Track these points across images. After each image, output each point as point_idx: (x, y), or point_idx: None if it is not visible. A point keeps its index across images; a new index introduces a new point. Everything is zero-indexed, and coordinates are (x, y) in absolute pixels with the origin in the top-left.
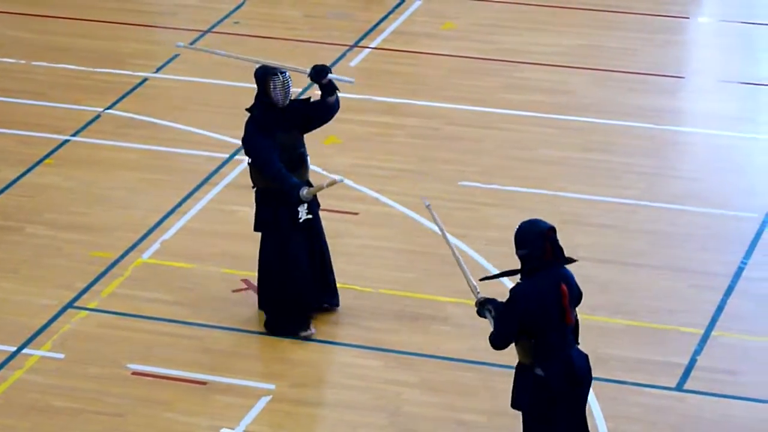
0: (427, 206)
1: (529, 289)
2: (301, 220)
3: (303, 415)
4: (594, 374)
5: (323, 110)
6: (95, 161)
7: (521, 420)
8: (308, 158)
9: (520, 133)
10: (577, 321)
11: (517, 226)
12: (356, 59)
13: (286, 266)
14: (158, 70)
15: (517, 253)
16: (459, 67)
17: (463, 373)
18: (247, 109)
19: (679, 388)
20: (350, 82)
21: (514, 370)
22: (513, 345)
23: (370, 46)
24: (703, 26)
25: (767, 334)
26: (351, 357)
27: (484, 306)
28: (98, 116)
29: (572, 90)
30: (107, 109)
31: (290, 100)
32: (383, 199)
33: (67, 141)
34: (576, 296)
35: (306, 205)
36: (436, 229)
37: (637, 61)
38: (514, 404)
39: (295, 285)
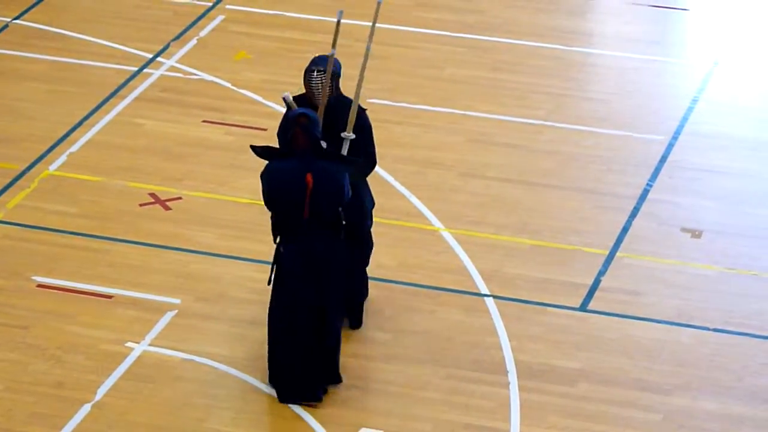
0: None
1: (273, 170)
2: None
3: (208, 330)
4: (498, 293)
5: None
6: (2, 72)
7: None
8: None
9: (429, 52)
10: (337, 217)
11: None
12: None
13: None
14: None
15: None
16: None
17: (369, 291)
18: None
19: (583, 308)
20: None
21: (420, 288)
22: None
23: None
24: None
25: (670, 256)
26: (257, 272)
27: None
28: (6, 26)
29: (482, 9)
30: (15, 19)
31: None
32: None
33: None
34: (327, 192)
35: None
36: None
37: None
38: None
39: None
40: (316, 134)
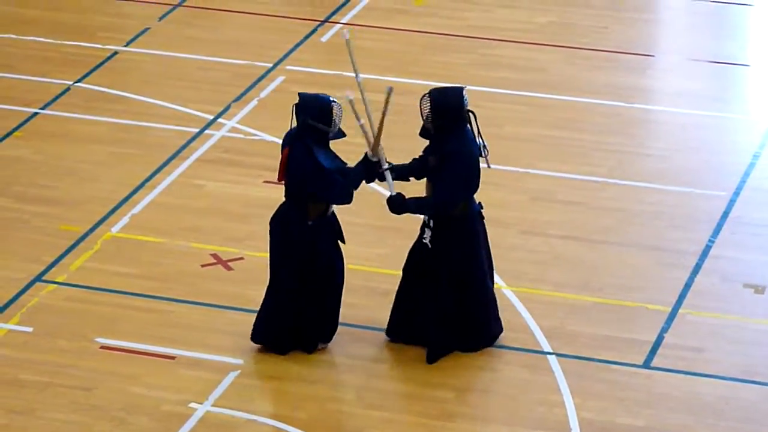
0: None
1: (288, 131)
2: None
3: (271, 390)
4: (561, 351)
5: None
6: (64, 134)
7: None
8: None
9: (490, 110)
10: (292, 189)
11: None
12: (327, 34)
13: None
14: (128, 43)
15: None
16: (429, 44)
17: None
18: None
19: (646, 365)
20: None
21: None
22: None
23: (341, 21)
24: (673, 4)
25: (734, 312)
26: None
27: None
28: (68, 89)
29: (542, 67)
30: (77, 82)
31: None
32: None
33: (36, 114)
34: (291, 170)
35: None
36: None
37: (607, 39)
38: None
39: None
40: (300, 116)
